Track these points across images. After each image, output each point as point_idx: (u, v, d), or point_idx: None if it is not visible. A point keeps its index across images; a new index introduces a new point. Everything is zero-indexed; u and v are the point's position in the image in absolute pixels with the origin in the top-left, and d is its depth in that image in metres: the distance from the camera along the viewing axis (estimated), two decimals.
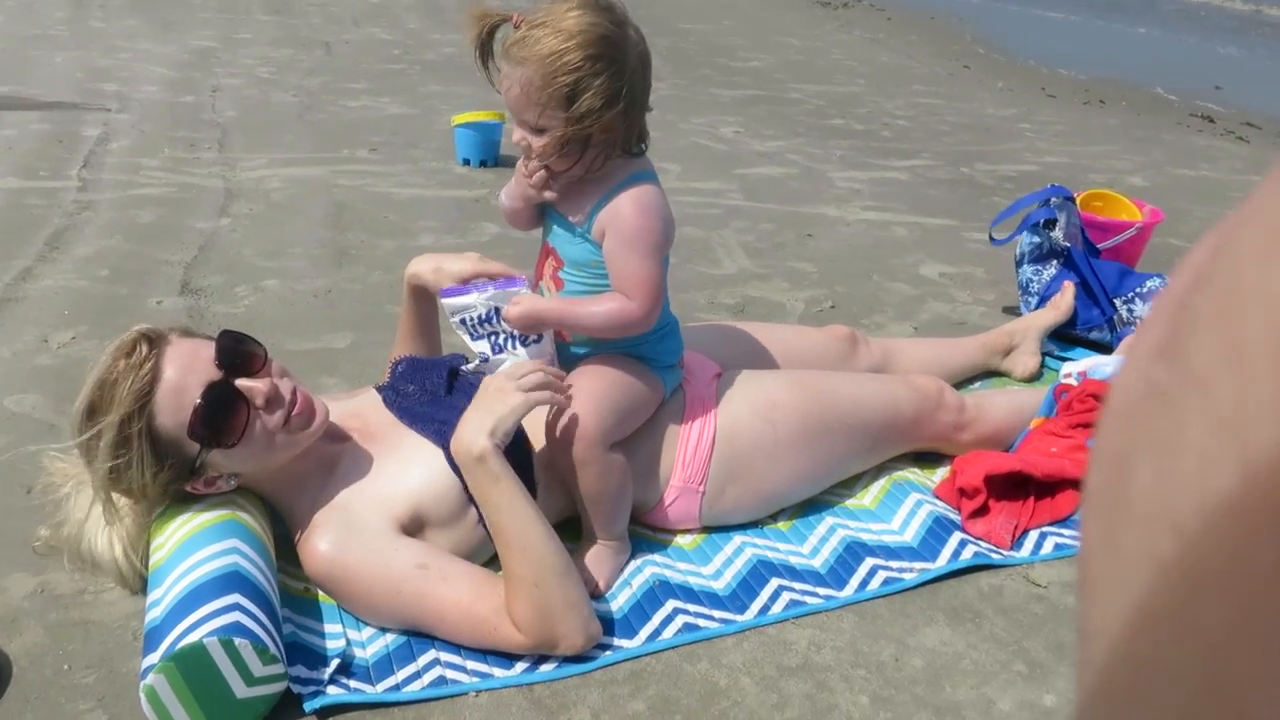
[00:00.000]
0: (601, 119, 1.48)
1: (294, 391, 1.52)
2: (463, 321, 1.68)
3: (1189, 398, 0.21)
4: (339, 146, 4.04)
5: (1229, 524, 0.19)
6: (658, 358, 1.73)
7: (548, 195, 1.61)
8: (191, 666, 1.27)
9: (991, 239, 2.83)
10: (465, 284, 1.70)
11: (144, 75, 4.93)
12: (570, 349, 1.72)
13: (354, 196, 3.46)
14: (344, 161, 3.86)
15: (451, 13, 7.62)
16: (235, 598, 1.33)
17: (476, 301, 1.66)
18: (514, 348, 1.69)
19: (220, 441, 1.45)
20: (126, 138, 3.92)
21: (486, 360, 1.70)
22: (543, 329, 1.67)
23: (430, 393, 1.74)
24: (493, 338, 1.68)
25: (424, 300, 1.92)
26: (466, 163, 3.92)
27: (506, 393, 1.53)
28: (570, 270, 1.65)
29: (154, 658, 1.28)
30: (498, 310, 1.65)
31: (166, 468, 1.45)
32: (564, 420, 1.59)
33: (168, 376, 1.43)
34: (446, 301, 1.68)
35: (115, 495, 1.48)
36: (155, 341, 1.45)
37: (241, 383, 1.47)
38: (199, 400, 1.43)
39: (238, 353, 1.50)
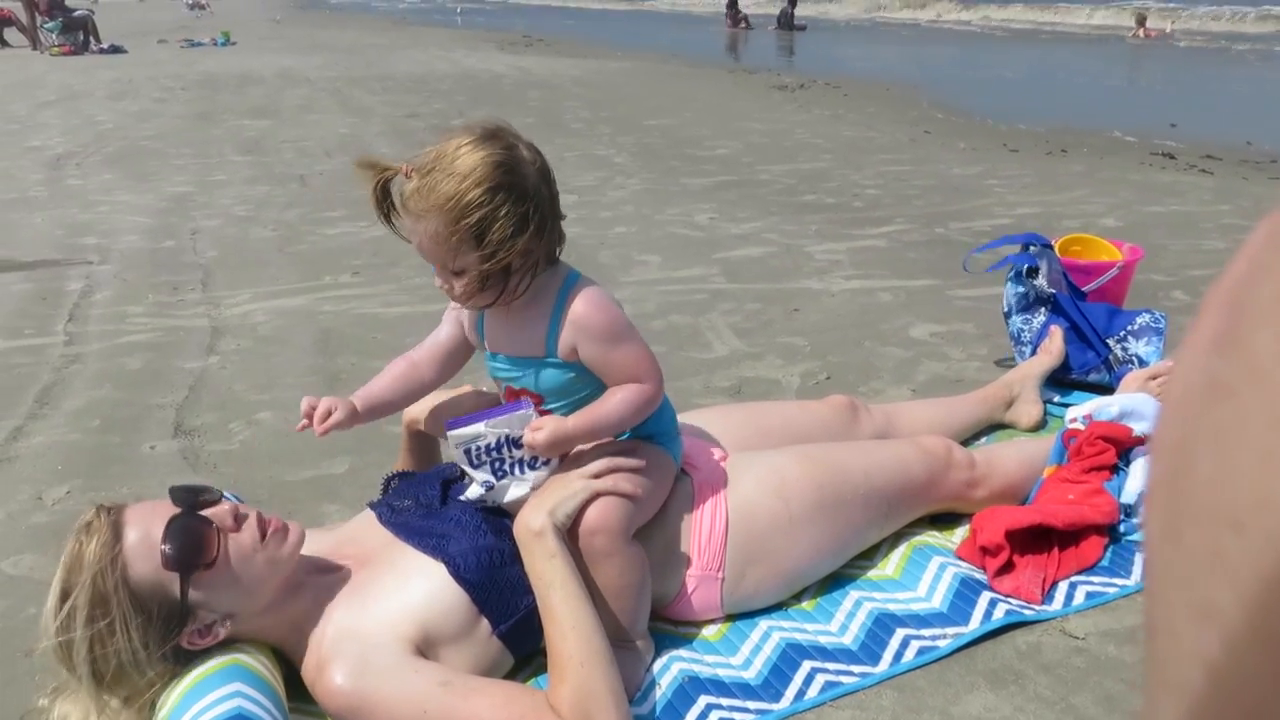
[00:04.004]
0: (515, 246, 1.45)
1: (260, 514, 1.52)
2: (466, 451, 1.63)
3: (1249, 391, 0.20)
4: (321, 274, 4.07)
5: None
6: (661, 428, 1.70)
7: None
8: None
9: (965, 268, 2.85)
10: (469, 414, 1.66)
11: (123, 226, 4.99)
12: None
13: (340, 321, 3.47)
14: (328, 288, 3.88)
15: (421, 134, 7.79)
16: None
17: (486, 431, 1.60)
18: (520, 472, 1.64)
19: (197, 560, 1.42)
20: (109, 288, 3.94)
21: (491, 487, 1.64)
22: (571, 447, 1.63)
23: (425, 506, 1.71)
24: (496, 464, 1.63)
25: (425, 442, 1.97)
26: None
27: (570, 479, 1.58)
28: (553, 401, 1.62)
29: None
30: (508, 438, 1.61)
31: (155, 621, 1.40)
32: (587, 512, 1.56)
33: (131, 527, 1.43)
34: (454, 433, 1.62)
35: (107, 697, 1.41)
36: (113, 510, 1.46)
37: (204, 511, 1.48)
38: (165, 530, 1.42)
39: (192, 491, 1.52)
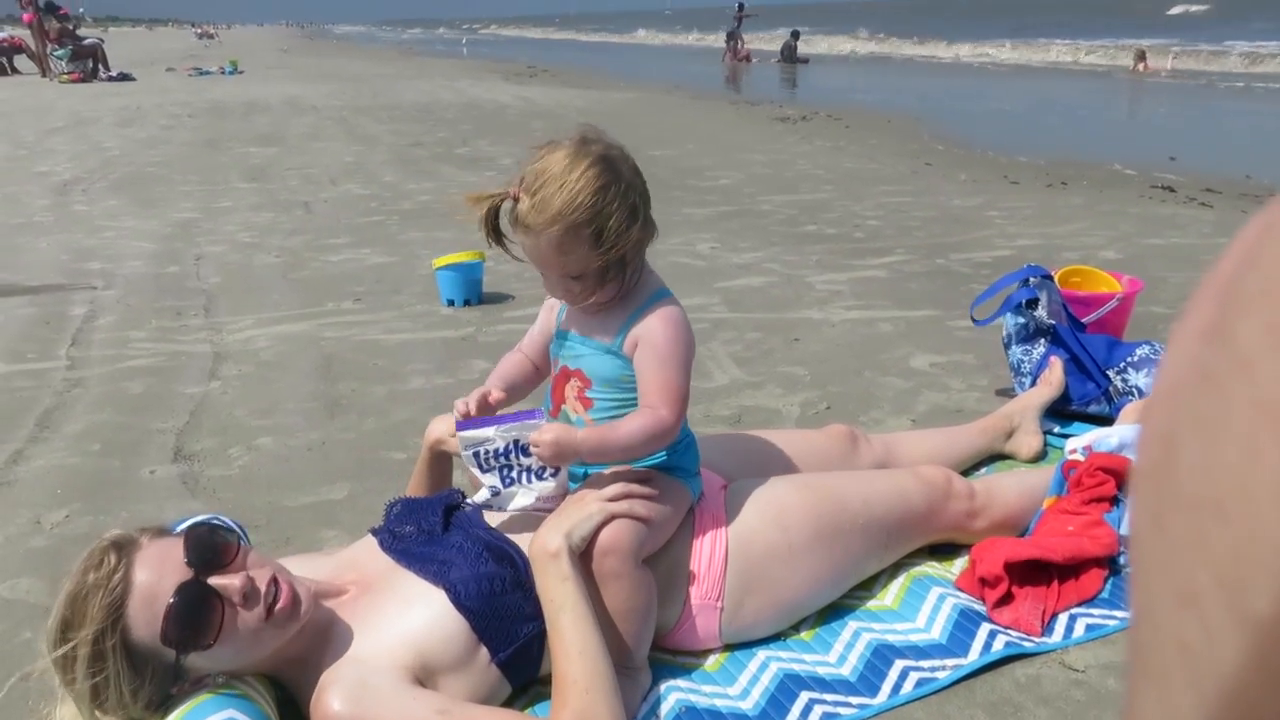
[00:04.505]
0: (630, 236, 1.52)
1: (273, 582, 1.46)
2: (475, 455, 1.66)
3: (1234, 379, 0.21)
4: (324, 300, 4.09)
5: (1274, 510, 0.19)
6: (684, 465, 1.72)
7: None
8: None
9: (973, 320, 2.85)
10: (481, 418, 1.69)
11: (128, 251, 5.02)
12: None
13: (342, 347, 3.48)
14: (330, 314, 3.89)
15: (425, 163, 7.84)
16: None
17: (495, 435, 1.64)
18: (528, 481, 1.66)
19: (195, 644, 1.39)
20: (113, 313, 3.96)
21: (497, 493, 1.67)
22: (575, 459, 1.64)
23: (427, 532, 1.71)
24: (504, 471, 1.66)
25: (443, 464, 1.97)
26: (451, 303, 3.96)
27: (586, 501, 1.59)
28: (599, 388, 1.65)
29: None
30: (516, 443, 1.63)
31: (147, 681, 1.38)
32: (600, 533, 1.57)
33: (139, 585, 1.38)
34: (463, 435, 1.66)
35: (99, 715, 1.40)
36: (125, 549, 1.41)
37: (215, 580, 1.42)
38: (170, 603, 1.38)
39: (209, 547, 1.45)
